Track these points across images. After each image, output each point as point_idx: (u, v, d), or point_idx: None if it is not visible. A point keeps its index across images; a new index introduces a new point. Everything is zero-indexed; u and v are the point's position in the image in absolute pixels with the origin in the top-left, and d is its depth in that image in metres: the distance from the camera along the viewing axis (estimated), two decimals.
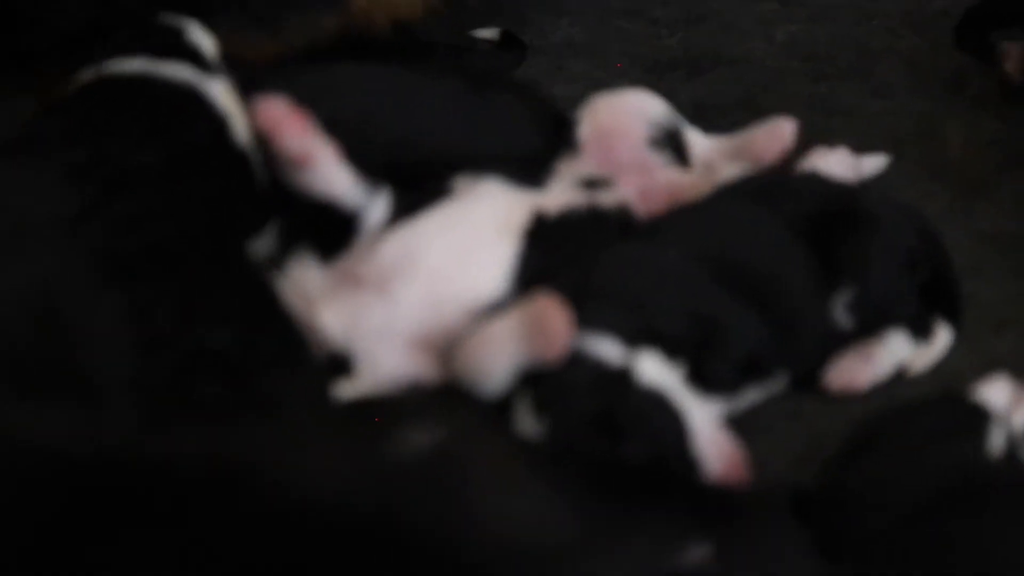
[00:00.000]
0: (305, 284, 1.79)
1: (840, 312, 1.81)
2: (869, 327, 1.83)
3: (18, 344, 1.42)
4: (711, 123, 2.09)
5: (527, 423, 1.68)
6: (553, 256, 1.80)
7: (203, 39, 1.93)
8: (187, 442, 1.31)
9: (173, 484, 1.20)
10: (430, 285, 1.77)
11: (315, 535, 1.17)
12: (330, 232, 1.81)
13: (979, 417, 1.65)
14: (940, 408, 1.69)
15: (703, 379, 1.73)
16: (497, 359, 1.69)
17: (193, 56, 1.89)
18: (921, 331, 1.85)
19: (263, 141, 1.78)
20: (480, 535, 1.25)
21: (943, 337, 1.87)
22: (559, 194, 1.89)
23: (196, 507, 1.18)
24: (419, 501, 1.25)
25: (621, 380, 1.67)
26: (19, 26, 1.94)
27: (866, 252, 1.82)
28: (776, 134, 2.00)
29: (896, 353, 1.84)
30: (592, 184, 1.91)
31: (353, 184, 1.81)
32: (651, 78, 2.26)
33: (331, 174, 1.79)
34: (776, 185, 1.90)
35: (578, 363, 1.68)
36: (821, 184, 1.92)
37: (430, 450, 1.40)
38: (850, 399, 1.82)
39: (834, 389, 1.81)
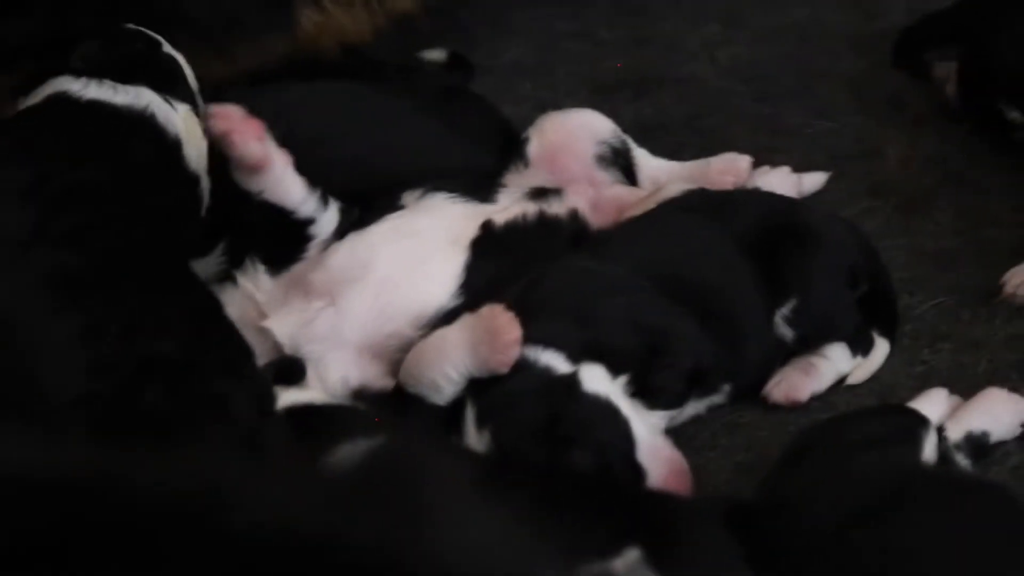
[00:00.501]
0: (255, 293, 1.82)
1: (781, 325, 1.85)
2: (809, 340, 1.86)
3: None
4: (656, 142, 2.13)
5: (471, 434, 1.71)
6: (502, 266, 1.83)
7: (177, 55, 1.95)
8: (136, 467, 1.31)
9: (122, 511, 1.20)
10: (379, 294, 1.80)
11: (263, 561, 1.18)
12: (280, 242, 1.84)
13: (914, 425, 1.69)
14: (876, 417, 1.73)
15: (649, 391, 1.76)
16: (446, 367, 1.72)
17: (162, 78, 1.91)
18: (860, 345, 1.88)
19: (219, 148, 1.79)
20: (427, 556, 1.27)
21: (881, 350, 1.91)
22: (508, 206, 1.92)
23: (146, 534, 1.18)
24: (363, 521, 1.26)
25: (567, 388, 1.70)
26: None
27: (808, 267, 1.85)
28: (733, 167, 2.05)
29: (837, 367, 1.87)
30: (542, 193, 1.95)
31: (306, 194, 1.84)
32: (597, 98, 2.29)
33: (285, 181, 1.81)
34: (721, 201, 1.94)
35: (524, 374, 1.71)
36: (764, 200, 1.96)
37: (370, 463, 1.42)
38: (790, 410, 1.85)
39: (775, 401, 1.85)
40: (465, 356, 1.71)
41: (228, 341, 1.71)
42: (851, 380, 1.88)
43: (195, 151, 1.88)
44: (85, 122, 1.84)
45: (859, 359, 1.88)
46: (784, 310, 1.84)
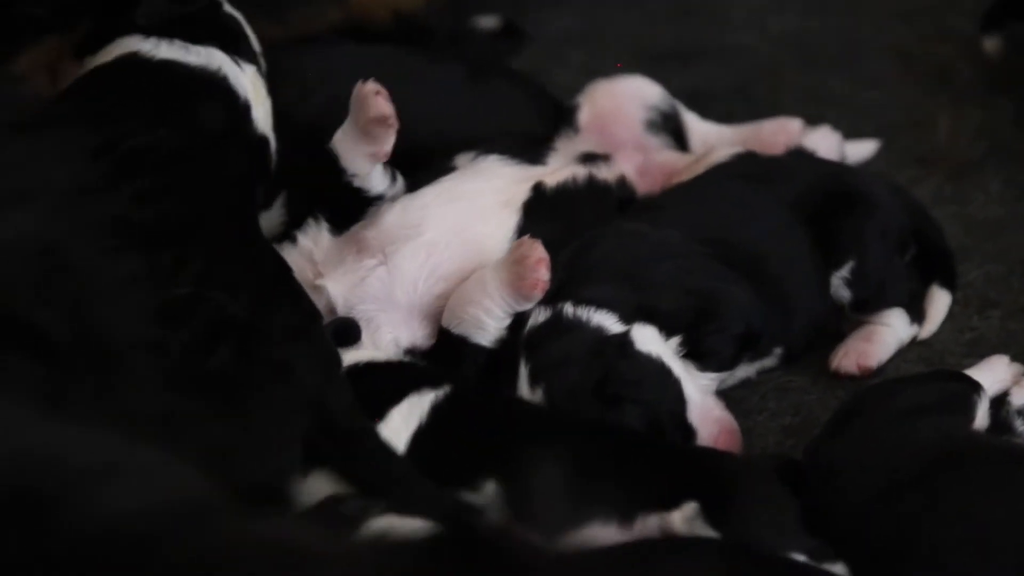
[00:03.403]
0: (314, 252, 1.85)
1: (840, 287, 1.86)
2: (868, 302, 1.87)
3: (19, 292, 1.42)
4: (704, 111, 2.14)
5: (524, 392, 1.73)
6: (552, 228, 1.85)
7: (237, 15, 1.96)
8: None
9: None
10: (430, 255, 1.82)
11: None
12: (345, 206, 1.86)
13: (965, 392, 1.69)
14: (926, 382, 1.73)
15: (700, 354, 1.77)
16: (485, 301, 1.75)
17: (228, 38, 1.91)
18: (914, 312, 1.90)
19: (355, 109, 1.81)
20: None
21: (944, 300, 1.92)
22: (558, 168, 1.94)
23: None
24: None
25: (619, 348, 1.72)
26: None
27: (863, 229, 1.86)
28: (784, 129, 2.06)
29: (898, 333, 1.88)
30: (591, 158, 1.96)
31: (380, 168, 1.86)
32: (646, 67, 2.28)
33: (391, 141, 1.83)
34: (770, 165, 1.95)
35: (576, 333, 1.73)
36: (814, 163, 1.97)
37: None
38: (840, 376, 1.86)
39: (848, 371, 1.85)
40: (501, 287, 1.75)
41: (296, 305, 1.73)
42: (922, 335, 1.89)
43: (263, 113, 1.89)
44: (157, 84, 1.85)
45: (915, 327, 1.89)
46: (843, 272, 1.85)
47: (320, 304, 1.79)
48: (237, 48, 1.91)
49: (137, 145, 1.76)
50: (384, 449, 1.66)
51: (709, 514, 1.55)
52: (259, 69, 1.93)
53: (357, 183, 1.84)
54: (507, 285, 1.74)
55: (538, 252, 1.73)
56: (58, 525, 1.13)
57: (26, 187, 1.51)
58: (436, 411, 1.70)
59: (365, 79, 1.80)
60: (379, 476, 1.64)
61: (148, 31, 1.87)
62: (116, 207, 1.65)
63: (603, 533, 1.54)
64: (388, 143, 1.82)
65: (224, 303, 1.65)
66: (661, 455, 1.65)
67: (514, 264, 1.74)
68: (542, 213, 1.87)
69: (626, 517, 1.56)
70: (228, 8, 1.96)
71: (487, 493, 1.63)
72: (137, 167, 1.74)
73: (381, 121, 1.79)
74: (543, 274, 1.73)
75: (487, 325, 1.76)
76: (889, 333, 1.87)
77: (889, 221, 1.89)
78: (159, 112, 1.82)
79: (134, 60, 1.86)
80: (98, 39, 1.89)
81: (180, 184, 1.75)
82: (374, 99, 1.79)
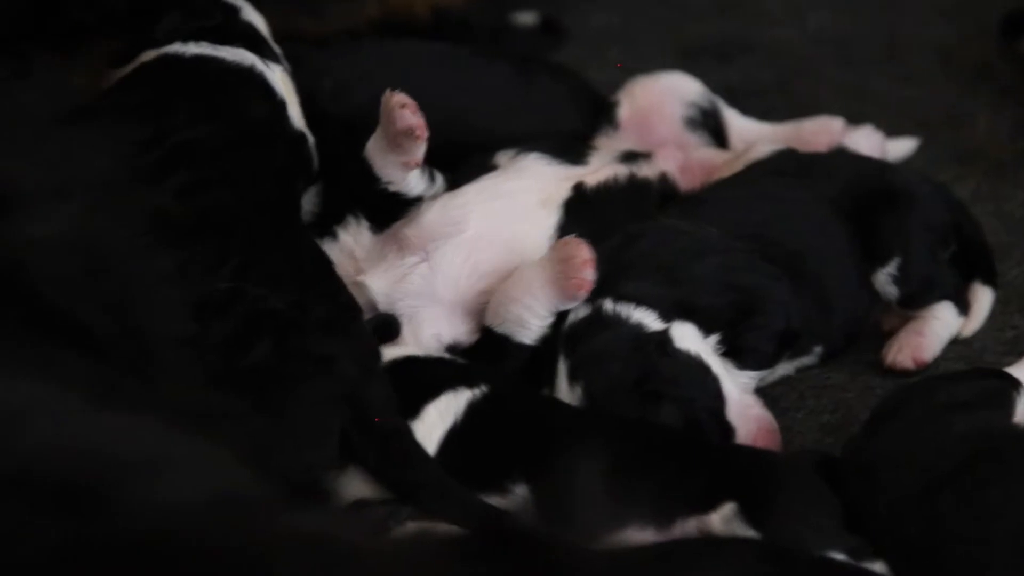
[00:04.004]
0: (355, 249, 1.85)
1: (887, 284, 1.86)
2: (915, 299, 1.87)
3: (63, 287, 1.44)
4: (743, 107, 2.14)
5: (563, 389, 1.73)
6: (592, 227, 1.84)
7: (257, 20, 1.98)
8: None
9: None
10: (471, 252, 1.82)
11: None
12: (384, 207, 1.86)
13: (1005, 388, 1.68)
14: (966, 380, 1.72)
15: (739, 351, 1.77)
16: (528, 300, 1.75)
17: (250, 41, 1.94)
18: (961, 304, 1.89)
19: (383, 120, 1.82)
20: None
21: (987, 297, 1.91)
22: (599, 168, 1.94)
23: None
24: None
25: (659, 345, 1.72)
26: (69, 2, 1.98)
27: (907, 226, 1.86)
28: (826, 128, 2.06)
29: (948, 327, 1.88)
30: (632, 157, 1.96)
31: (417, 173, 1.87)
32: (684, 64, 2.28)
33: (421, 151, 1.83)
34: (810, 162, 1.94)
35: (615, 330, 1.73)
36: (854, 161, 1.97)
37: None
38: (878, 373, 1.86)
39: (904, 366, 1.85)
40: (545, 286, 1.75)
41: (336, 299, 1.74)
42: (965, 333, 1.89)
43: (296, 110, 1.91)
44: (200, 78, 1.88)
45: (963, 319, 1.89)
46: (889, 269, 1.85)
47: (361, 300, 1.80)
48: (261, 50, 1.93)
49: (183, 139, 1.78)
50: (418, 451, 1.66)
51: (748, 513, 1.55)
52: (284, 68, 1.95)
53: (393, 188, 1.85)
54: (552, 284, 1.74)
55: (585, 252, 1.74)
56: (105, 519, 1.14)
57: (71, 181, 1.53)
58: (471, 410, 1.70)
59: (397, 84, 1.80)
60: (410, 479, 1.65)
61: (169, 41, 1.90)
62: (160, 201, 1.66)
63: (640, 536, 1.54)
64: (418, 153, 1.82)
65: (264, 296, 1.66)
66: (699, 454, 1.65)
67: (559, 263, 1.74)
68: (583, 212, 1.88)
69: (664, 520, 1.56)
70: (247, 15, 1.98)
71: (518, 496, 1.64)
72: (182, 161, 1.77)
73: (408, 133, 1.79)
74: (589, 274, 1.74)
75: (530, 324, 1.76)
76: (940, 326, 1.87)
77: (931, 216, 1.89)
78: (204, 106, 1.85)
79: (169, 58, 1.89)
80: (127, 51, 1.92)
81: (224, 178, 1.77)
82: (400, 112, 1.79)
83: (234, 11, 1.98)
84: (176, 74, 1.88)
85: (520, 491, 1.64)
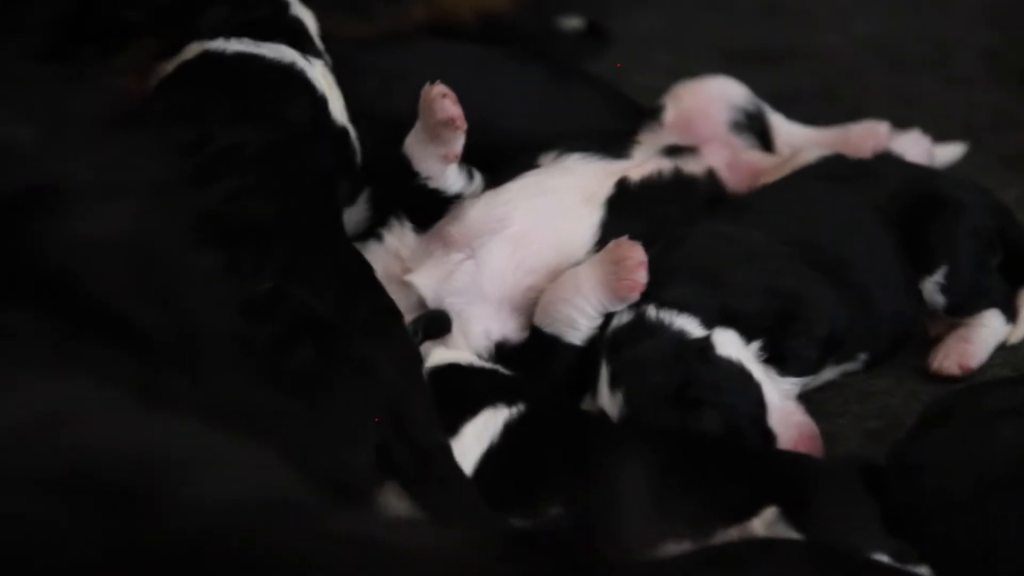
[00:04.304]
0: (400, 249, 1.86)
1: (934, 292, 1.85)
2: (963, 307, 1.87)
3: (112, 286, 1.45)
4: (789, 112, 2.13)
5: (605, 395, 1.74)
6: (638, 223, 1.85)
7: (305, 15, 1.99)
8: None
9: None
10: (516, 249, 1.83)
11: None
12: (426, 207, 1.87)
13: None
14: (1014, 386, 1.71)
15: (782, 358, 1.77)
16: (579, 301, 1.75)
17: (294, 36, 1.95)
18: (1009, 311, 1.89)
19: (423, 112, 1.83)
20: None
21: None
22: (643, 162, 1.94)
23: None
24: None
25: (700, 352, 1.72)
26: (116, 1, 2.00)
27: (954, 233, 1.86)
28: (873, 133, 2.05)
29: (995, 334, 1.87)
30: (677, 151, 1.96)
31: (456, 170, 1.87)
32: (731, 68, 2.27)
33: (460, 142, 1.84)
34: (857, 168, 1.94)
35: (657, 337, 1.73)
36: (901, 167, 1.96)
37: None
38: (924, 380, 1.86)
39: (950, 373, 1.85)
40: (597, 287, 1.75)
41: (377, 303, 1.74)
42: (1012, 339, 1.88)
43: (338, 106, 1.92)
44: (241, 77, 1.89)
45: (1010, 326, 1.88)
46: (936, 277, 1.84)
47: (410, 299, 1.80)
48: (302, 44, 1.94)
49: (230, 141, 1.79)
50: (454, 473, 1.65)
51: (790, 517, 1.55)
52: (326, 63, 1.95)
53: (432, 184, 1.86)
54: (603, 285, 1.75)
55: (638, 255, 1.74)
56: (150, 520, 1.14)
57: (120, 182, 1.54)
58: (508, 431, 1.70)
59: (434, 80, 1.81)
60: (445, 501, 1.63)
61: (214, 35, 1.91)
62: (207, 202, 1.67)
63: (679, 550, 1.54)
64: (458, 144, 1.82)
65: (307, 299, 1.66)
66: (741, 462, 1.65)
67: (612, 264, 1.75)
68: (627, 208, 1.87)
69: (705, 533, 1.56)
70: (295, 10, 1.99)
71: (553, 519, 1.63)
72: (226, 166, 1.77)
73: (448, 123, 1.80)
74: (642, 276, 1.74)
75: (580, 324, 1.76)
76: (987, 333, 1.86)
77: (979, 223, 1.88)
78: (245, 107, 1.86)
79: (209, 56, 1.90)
80: (173, 45, 1.93)
81: (269, 180, 1.78)
82: (441, 102, 1.80)
83: (283, 6, 1.98)
84: (217, 73, 1.89)
85: (555, 514, 1.63)
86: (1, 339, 1.33)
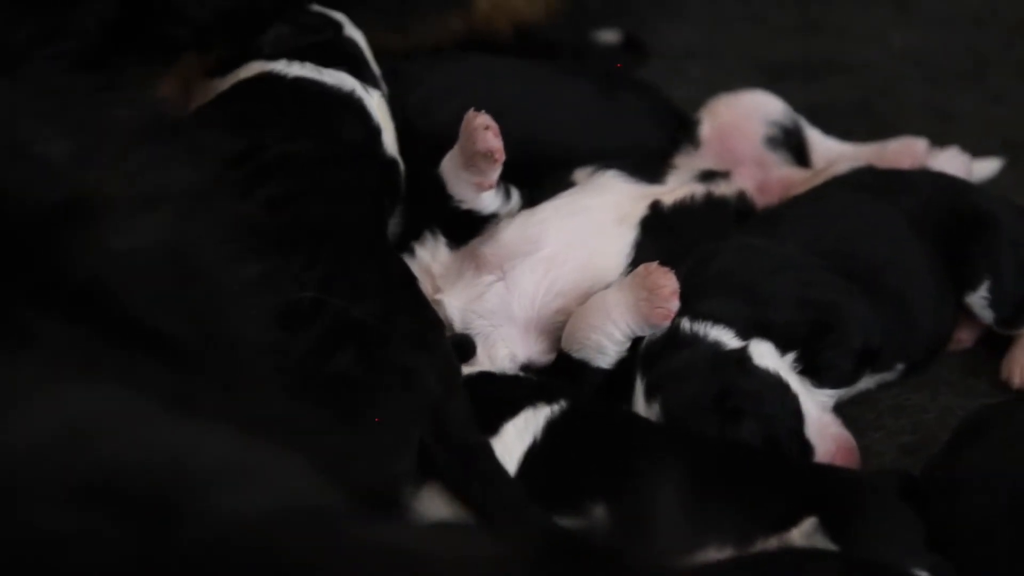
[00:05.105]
0: (432, 265, 1.86)
1: (981, 307, 1.85)
2: (1012, 320, 1.86)
3: (146, 298, 1.46)
4: (826, 127, 2.13)
5: (640, 407, 1.73)
6: (670, 245, 1.85)
7: (358, 36, 2.00)
8: None
9: None
10: (548, 270, 1.82)
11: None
12: (461, 225, 1.87)
13: None
14: None
15: (817, 369, 1.76)
16: (608, 327, 1.75)
17: (354, 63, 1.96)
18: None
19: (463, 139, 1.82)
20: None
21: None
22: (677, 187, 1.94)
23: None
24: None
25: (738, 363, 1.72)
26: (155, 15, 2.01)
27: (995, 248, 1.85)
28: (909, 149, 2.05)
29: None
30: (710, 176, 1.96)
31: (492, 193, 1.87)
32: (767, 83, 2.27)
33: (496, 174, 1.84)
34: (891, 179, 1.93)
35: (694, 348, 1.73)
36: (935, 179, 1.95)
37: None
38: (958, 394, 1.85)
39: (1020, 386, 1.84)
40: (627, 314, 1.74)
41: (420, 312, 1.75)
42: None
43: (391, 137, 1.93)
44: (297, 97, 1.90)
45: None
46: (980, 292, 1.84)
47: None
48: (362, 73, 1.95)
49: (277, 153, 1.80)
50: (498, 470, 1.66)
51: (829, 529, 1.54)
52: (383, 94, 1.96)
53: (466, 207, 1.86)
54: (634, 312, 1.74)
55: (672, 283, 1.73)
56: (179, 530, 1.15)
57: (155, 192, 1.55)
58: (550, 428, 1.69)
59: (483, 98, 1.81)
60: (490, 498, 1.64)
61: (276, 55, 1.92)
62: (248, 212, 1.68)
63: (719, 557, 1.54)
64: (493, 176, 1.82)
65: (347, 308, 1.67)
66: (780, 473, 1.65)
67: (644, 291, 1.73)
68: (659, 231, 1.87)
69: (744, 540, 1.56)
70: (349, 30, 2.00)
71: (597, 515, 1.63)
72: (274, 173, 1.78)
73: (487, 156, 1.80)
74: (675, 305, 1.73)
75: (608, 350, 1.76)
76: None
77: (1017, 234, 1.87)
78: (300, 124, 1.87)
79: (270, 76, 1.91)
80: (229, 61, 1.94)
81: (314, 191, 1.79)
82: (483, 133, 1.79)
83: (338, 28, 1.99)
84: (275, 93, 1.90)
85: (599, 511, 1.63)
86: (34, 349, 1.33)
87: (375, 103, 1.94)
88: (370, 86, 1.95)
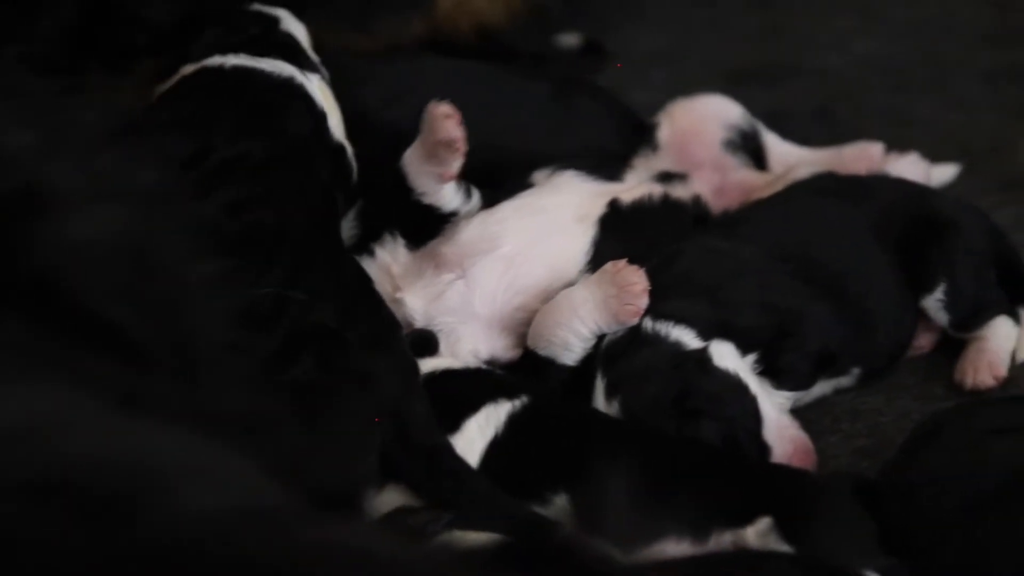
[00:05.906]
0: (391, 265, 1.86)
1: (936, 310, 1.86)
2: (967, 323, 1.87)
3: (102, 291, 1.45)
4: (787, 132, 2.14)
5: (600, 405, 1.74)
6: (628, 243, 1.85)
7: (297, 29, 2.00)
8: None
9: None
10: (508, 268, 1.83)
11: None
12: (420, 224, 1.87)
13: None
14: (1005, 404, 1.72)
15: (776, 371, 1.77)
16: (575, 324, 1.75)
17: (289, 51, 1.96)
18: (1015, 315, 1.89)
19: (425, 129, 1.82)
20: None
21: None
22: (635, 185, 1.94)
23: None
24: None
25: (698, 363, 1.72)
26: (115, 22, 2.01)
27: (951, 252, 1.86)
28: (865, 154, 2.06)
29: (1010, 337, 1.87)
30: (667, 177, 1.96)
31: (454, 188, 1.87)
32: (730, 87, 2.28)
33: (458, 164, 1.84)
34: (851, 184, 1.94)
35: (654, 348, 1.73)
36: (895, 184, 1.97)
37: None
38: (914, 398, 1.86)
39: (986, 385, 1.84)
40: (595, 311, 1.75)
41: (376, 314, 1.75)
42: (1020, 357, 1.87)
43: (336, 121, 1.93)
44: (242, 90, 1.90)
45: (1019, 328, 1.88)
46: (936, 295, 1.85)
47: (399, 317, 1.80)
48: (299, 60, 1.95)
49: (230, 154, 1.79)
50: (462, 467, 1.66)
51: (783, 530, 1.54)
52: (323, 77, 1.96)
53: (427, 200, 1.85)
54: (602, 309, 1.74)
55: (642, 280, 1.74)
56: (131, 528, 1.14)
57: (113, 188, 1.54)
58: (512, 422, 1.70)
59: (441, 99, 1.81)
60: (458, 494, 1.64)
61: (208, 55, 1.93)
62: (206, 213, 1.68)
63: (676, 549, 1.54)
64: (455, 166, 1.82)
65: (309, 304, 1.67)
66: (736, 469, 1.65)
67: (613, 287, 1.74)
68: (617, 229, 1.88)
69: (700, 533, 1.56)
70: (286, 25, 2.00)
71: (558, 507, 1.64)
72: (226, 178, 1.77)
73: (449, 145, 1.80)
74: (644, 302, 1.73)
75: (575, 346, 1.76)
76: (1003, 339, 1.86)
77: (974, 239, 1.89)
78: (246, 120, 1.86)
79: (207, 71, 1.91)
80: (170, 67, 1.95)
81: (267, 195, 1.78)
82: (443, 122, 1.79)
83: (273, 22, 2.00)
84: (217, 86, 1.90)
85: (560, 501, 1.64)
86: None
87: (315, 87, 1.93)
88: (308, 71, 1.94)
